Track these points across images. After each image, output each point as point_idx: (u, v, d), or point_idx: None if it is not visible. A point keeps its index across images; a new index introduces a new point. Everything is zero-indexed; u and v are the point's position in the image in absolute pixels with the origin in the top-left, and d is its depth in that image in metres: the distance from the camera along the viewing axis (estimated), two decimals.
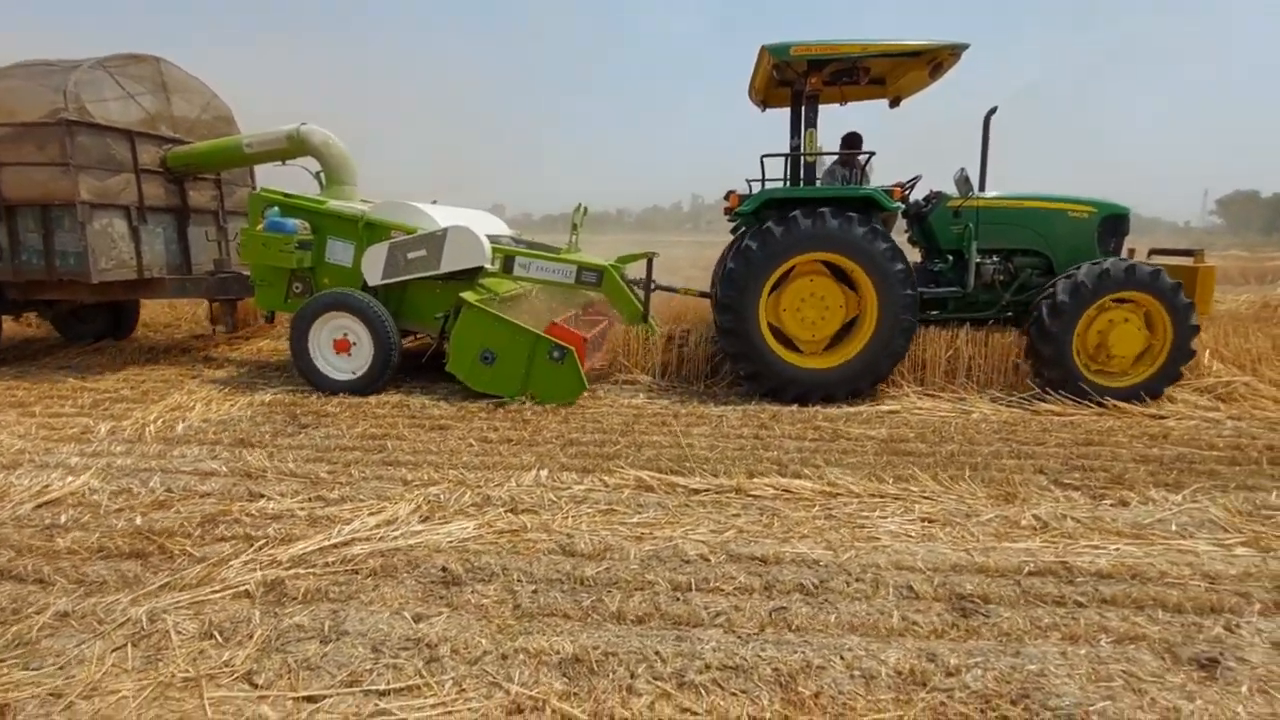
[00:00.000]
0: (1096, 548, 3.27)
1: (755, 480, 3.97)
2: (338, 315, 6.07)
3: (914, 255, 6.75)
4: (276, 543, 3.21)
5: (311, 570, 2.98)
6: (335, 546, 3.17)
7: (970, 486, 3.92)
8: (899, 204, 6.04)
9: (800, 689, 2.26)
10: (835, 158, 6.73)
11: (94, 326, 8.97)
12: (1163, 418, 5.33)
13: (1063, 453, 4.51)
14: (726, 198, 6.38)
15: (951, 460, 4.33)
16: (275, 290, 6.69)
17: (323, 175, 7.65)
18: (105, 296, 7.44)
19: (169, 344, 8.64)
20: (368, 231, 6.40)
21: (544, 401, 5.58)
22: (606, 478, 3.99)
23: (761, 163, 6.25)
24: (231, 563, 3.02)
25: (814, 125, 6.00)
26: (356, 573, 2.98)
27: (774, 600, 2.79)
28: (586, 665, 2.39)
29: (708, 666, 2.38)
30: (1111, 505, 3.76)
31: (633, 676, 2.34)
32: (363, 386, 6.01)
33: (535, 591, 2.84)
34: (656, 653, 2.44)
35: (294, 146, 7.59)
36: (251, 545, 3.19)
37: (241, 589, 2.82)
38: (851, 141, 6.68)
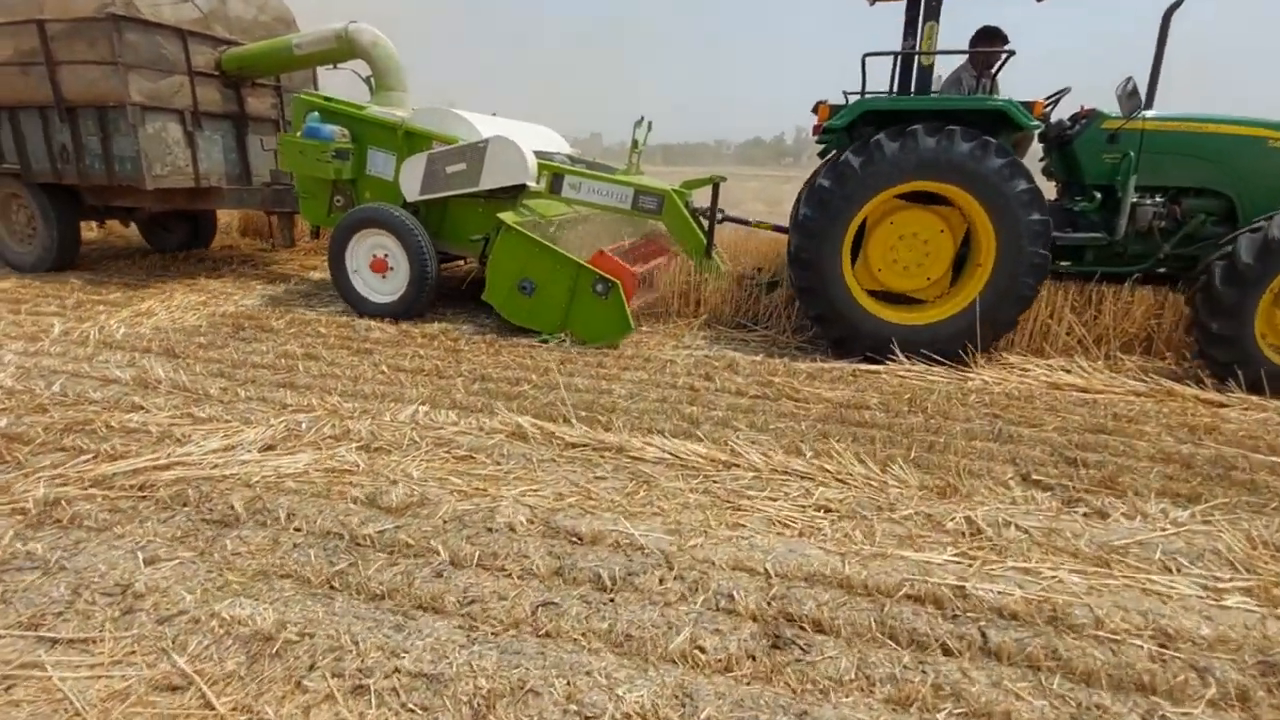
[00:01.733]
0: (1025, 572, 2.36)
1: (648, 438, 3.28)
2: (374, 232, 5.37)
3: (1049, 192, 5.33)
4: (103, 458, 2.94)
5: (105, 492, 2.68)
6: (154, 468, 2.87)
7: (905, 471, 3.04)
8: (1038, 122, 4.47)
9: None
10: (960, 63, 5.14)
11: (178, 236, 8.86)
12: (1226, 406, 4.02)
13: (1059, 440, 3.42)
14: (815, 110, 4.94)
15: (906, 437, 3.38)
16: (318, 203, 6.05)
17: (372, 80, 6.83)
18: (167, 204, 7.44)
19: (235, 256, 8.57)
20: (407, 141, 5.59)
21: (585, 340, 4.78)
22: (487, 420, 3.43)
23: (862, 65, 4.71)
24: (41, 475, 2.79)
25: (935, 18, 4.53)
26: (143, 499, 2.66)
27: (552, 592, 2.18)
28: (275, 645, 1.92)
29: (402, 670, 1.84)
30: (1083, 515, 2.76)
31: (311, 668, 1.84)
32: (401, 310, 5.37)
33: (297, 546, 2.38)
34: (357, 642, 1.93)
35: (343, 47, 6.78)
36: (78, 457, 2.96)
37: (20, 505, 2.58)
38: (987, 37, 4.98)
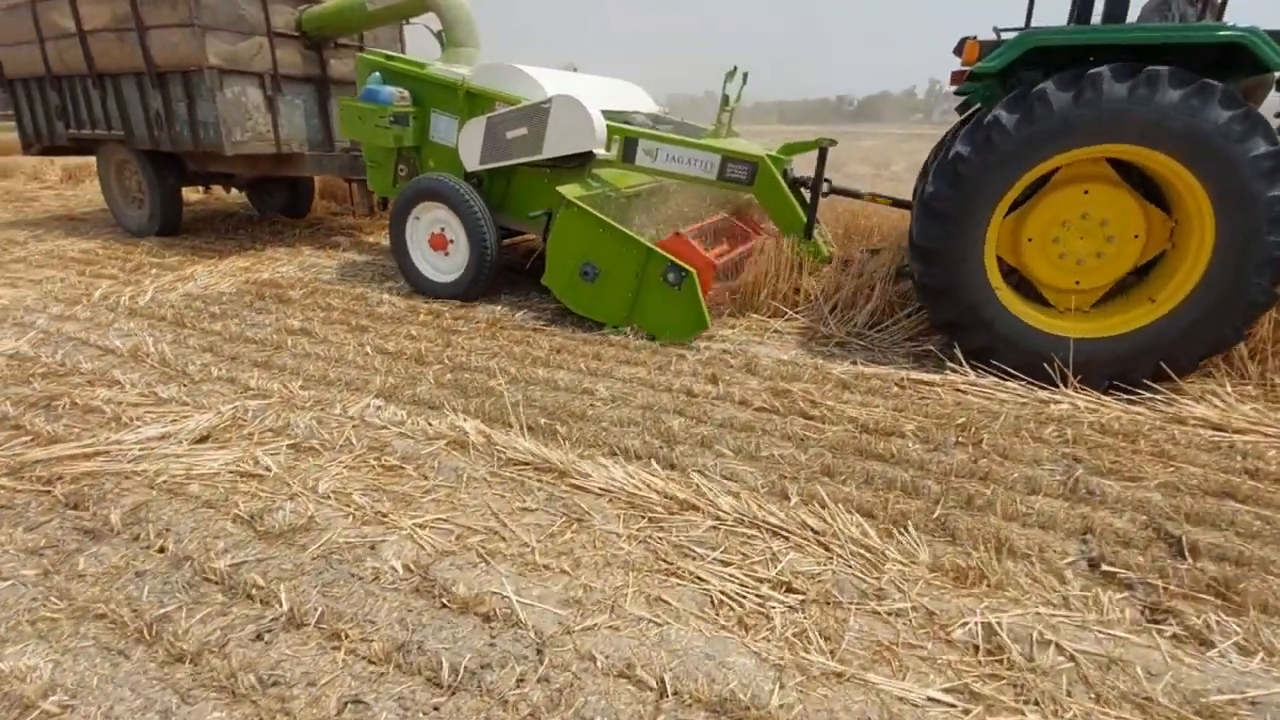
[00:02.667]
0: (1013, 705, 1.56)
1: (603, 461, 2.67)
2: (433, 206, 4.78)
3: None
4: (41, 442, 2.77)
5: (14, 484, 2.47)
6: (77, 457, 2.66)
7: (917, 539, 2.22)
8: None
9: None
10: None
11: (279, 200, 8.69)
12: None
13: (1160, 504, 2.38)
14: (958, 50, 3.76)
15: (937, 483, 2.50)
16: (384, 172, 5.46)
17: (443, 35, 6.18)
18: (254, 170, 7.61)
19: (320, 222, 8.39)
20: (469, 102, 4.88)
21: (654, 335, 4.03)
22: (435, 421, 2.94)
23: None
24: None
25: None
26: (42, 495, 2.44)
27: (373, 683, 1.67)
28: (27, 718, 1.58)
29: None
30: (1172, 637, 1.86)
31: None
32: (461, 290, 4.77)
33: (140, 575, 2.01)
34: None
35: (415, 1, 6.24)
36: (19, 438, 2.81)
37: None
38: None
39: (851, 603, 1.96)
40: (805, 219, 4.43)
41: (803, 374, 3.55)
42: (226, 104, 6.54)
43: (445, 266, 4.91)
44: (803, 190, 4.53)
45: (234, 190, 8.72)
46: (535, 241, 5.12)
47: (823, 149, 4.43)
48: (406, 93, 5.21)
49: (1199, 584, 2.03)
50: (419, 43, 8.19)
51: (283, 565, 2.07)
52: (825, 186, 4.47)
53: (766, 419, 3.06)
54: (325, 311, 4.51)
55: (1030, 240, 3.49)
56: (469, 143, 4.78)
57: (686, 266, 3.86)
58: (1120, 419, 3.10)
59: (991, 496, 2.47)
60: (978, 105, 4.43)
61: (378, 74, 5.32)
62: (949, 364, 3.64)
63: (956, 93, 4.44)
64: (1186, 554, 2.17)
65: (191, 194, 9.06)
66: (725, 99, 5.36)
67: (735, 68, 5.28)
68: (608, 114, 4.67)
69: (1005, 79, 3.52)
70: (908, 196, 4.76)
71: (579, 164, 4.53)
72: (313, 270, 5.67)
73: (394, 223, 4.93)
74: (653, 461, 2.69)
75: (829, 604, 1.96)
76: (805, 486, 2.51)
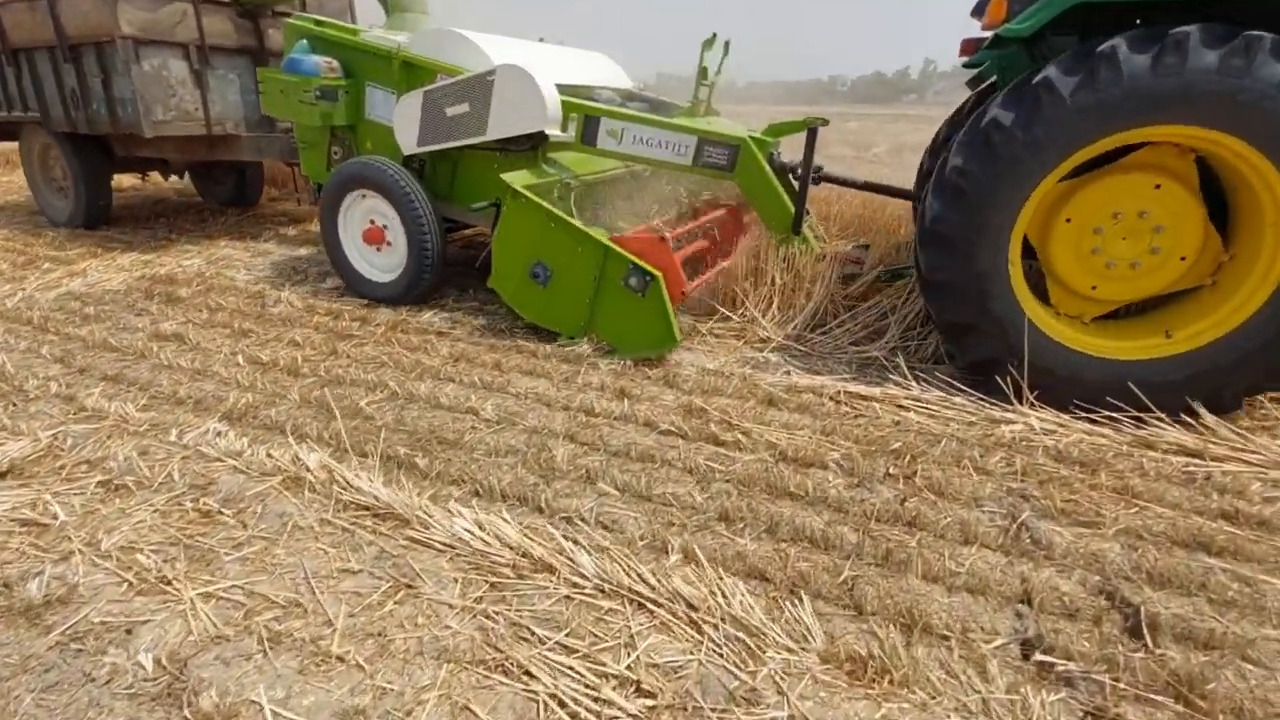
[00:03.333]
0: None
1: (459, 505, 2.19)
2: (366, 194, 4.14)
3: None
4: None
5: None
6: None
7: (811, 614, 1.77)
8: None
9: None
10: None
11: (226, 188, 7.93)
12: None
13: (1118, 560, 1.95)
14: (978, 11, 3.33)
15: (856, 530, 2.07)
16: (317, 154, 4.81)
17: None
18: (188, 155, 6.98)
19: (262, 212, 7.62)
20: (405, 74, 4.23)
21: (619, 350, 3.37)
22: (275, 453, 2.48)
23: None
24: None
25: None
26: None
27: None
28: None
29: None
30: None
31: None
32: (399, 292, 4.12)
33: None
34: None
35: None
36: None
37: None
38: None
39: (714, 710, 1.53)
40: (792, 210, 3.75)
41: (727, 387, 3.08)
42: (145, 79, 5.88)
43: (383, 264, 4.25)
44: (790, 177, 3.90)
45: (183, 178, 8.10)
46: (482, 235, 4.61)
47: (812, 130, 3.78)
48: (336, 63, 4.50)
49: (1156, 680, 1.59)
50: (374, 12, 7.55)
51: (7, 658, 1.63)
52: (815, 173, 3.82)
53: (671, 445, 2.61)
54: (211, 313, 4.01)
55: (1069, 221, 2.85)
56: (405, 121, 4.16)
57: (651, 269, 3.24)
58: (1080, 444, 2.65)
59: (916, 549, 2.02)
60: (992, 79, 3.87)
61: (304, 42, 4.66)
62: (893, 375, 3.18)
63: (967, 64, 3.91)
64: (1145, 632, 1.73)
65: (128, 181, 8.46)
66: (703, 71, 4.60)
67: (714, 35, 4.52)
68: (568, 89, 4.10)
69: (1033, 46, 2.96)
70: (894, 182, 4.24)
71: (531, 147, 3.92)
72: (221, 264, 5.16)
73: (324, 213, 4.32)
74: (520, 504, 2.24)
75: (685, 712, 1.52)
76: (692, 538, 2.06)
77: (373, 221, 4.20)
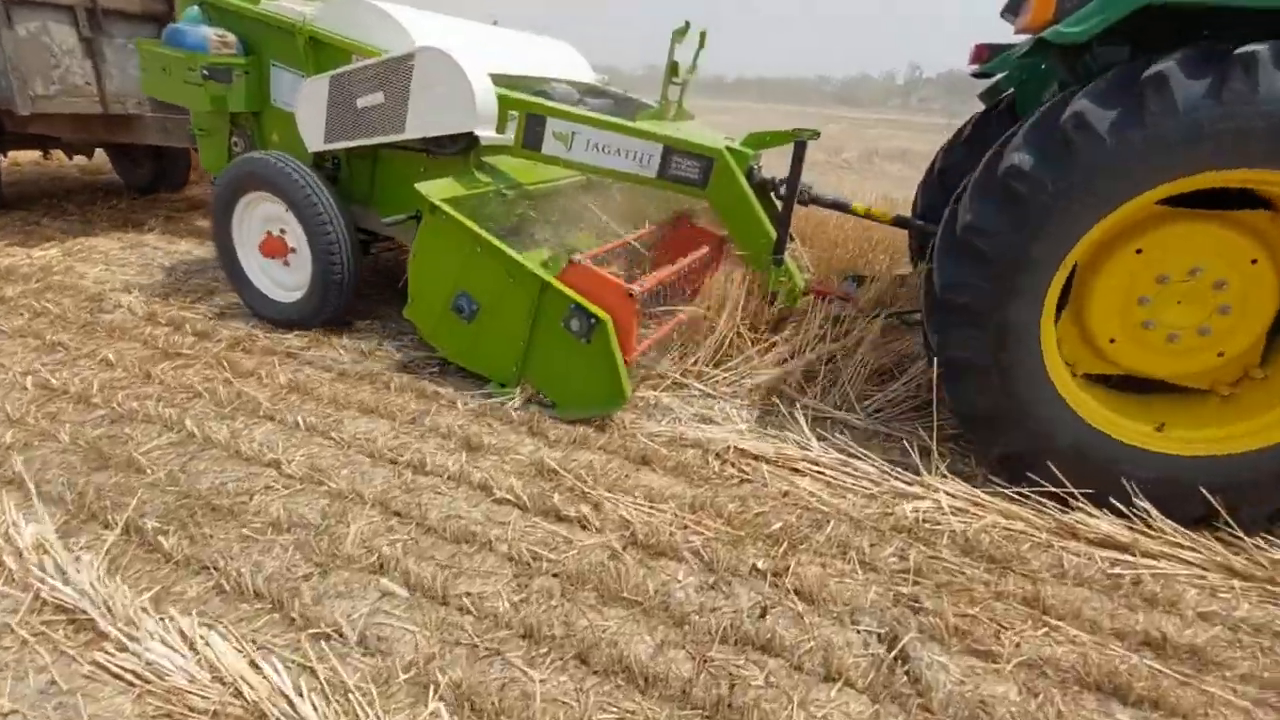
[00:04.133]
0: None
1: (178, 612, 1.66)
2: (263, 197, 3.43)
3: None
4: None
5: None
6: None
7: None
8: None
9: None
10: None
11: (146, 171, 6.88)
12: None
13: (1016, 708, 1.57)
14: (1012, 9, 2.89)
15: (695, 653, 1.63)
16: (216, 145, 4.05)
17: None
18: (81, 133, 5.94)
19: (195, 201, 6.79)
20: (313, 53, 3.53)
21: (558, 407, 2.79)
22: None
23: None
24: None
25: None
26: None
27: None
28: None
29: None
30: None
31: None
32: (306, 315, 3.43)
33: None
34: None
35: None
36: None
37: None
38: None
39: None
40: (774, 236, 3.13)
41: (598, 438, 2.59)
42: (19, 45, 5.06)
43: (286, 280, 3.53)
44: (773, 196, 3.32)
45: (91, 158, 7.30)
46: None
47: (800, 143, 3.16)
48: (231, 37, 3.75)
49: None
50: None
51: None
52: (803, 193, 3.23)
53: (500, 521, 2.11)
54: (31, 317, 3.40)
55: (1139, 252, 2.20)
56: (310, 111, 3.46)
57: (597, 311, 2.62)
58: (993, 530, 2.20)
59: (761, 689, 1.56)
60: (1009, 91, 3.40)
61: (195, 9, 3.92)
62: (787, 429, 2.72)
63: (978, 73, 3.40)
64: None
65: (27, 157, 7.68)
66: (674, 67, 3.94)
67: (687, 24, 3.84)
68: (514, 80, 3.49)
69: (1076, 57, 2.39)
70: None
71: (462, 149, 3.25)
72: (79, 257, 4.52)
73: (216, 218, 3.59)
74: (272, 609, 1.73)
75: None
76: (471, 671, 1.56)
77: (273, 230, 3.49)
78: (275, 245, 3.49)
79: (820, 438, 2.65)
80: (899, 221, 3.50)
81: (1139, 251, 2.20)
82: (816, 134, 3.31)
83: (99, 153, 6.96)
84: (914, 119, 42.16)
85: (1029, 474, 2.31)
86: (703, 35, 3.99)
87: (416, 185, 2.96)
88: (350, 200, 3.56)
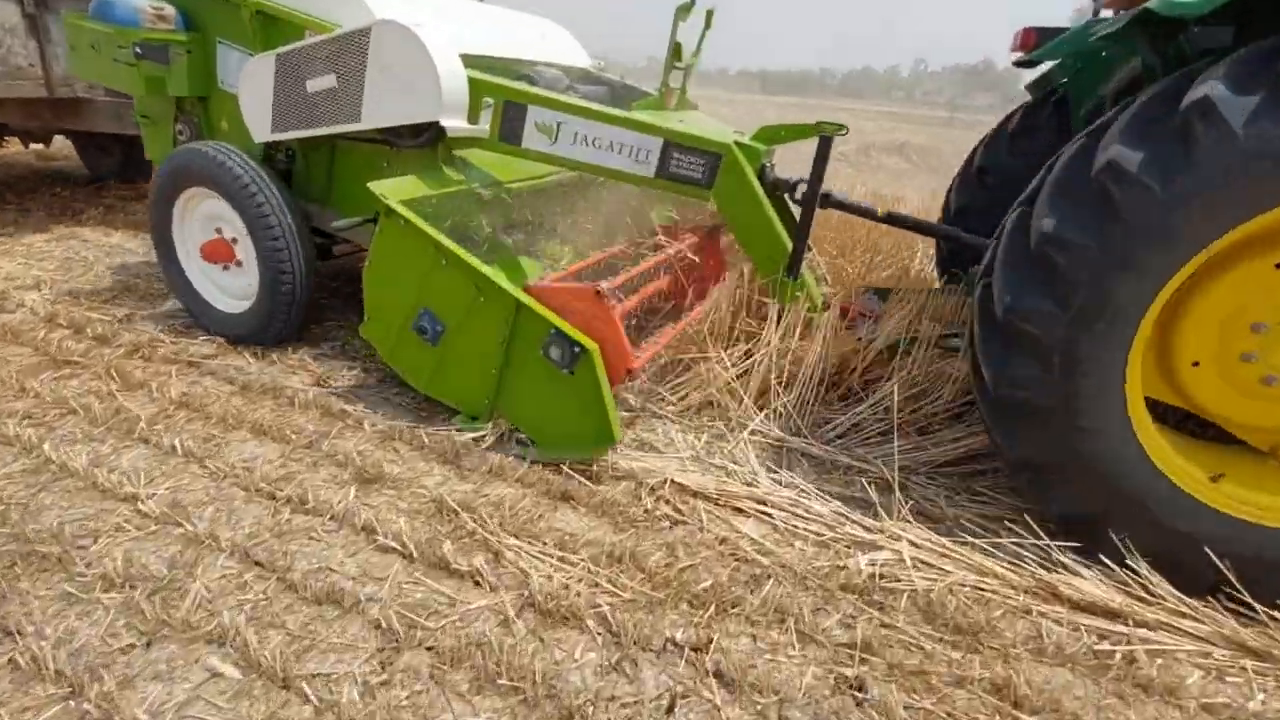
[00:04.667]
0: None
1: None
2: (203, 194, 3.02)
3: None
4: None
5: None
6: None
7: None
8: None
9: None
10: None
11: (113, 160, 6.46)
12: None
13: None
14: None
15: None
16: (161, 134, 3.60)
17: None
18: (29, 120, 5.49)
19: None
20: (261, 28, 3.09)
21: (538, 447, 2.36)
22: None
23: None
24: None
25: None
26: None
27: None
28: None
29: None
30: None
31: None
32: (255, 329, 3.01)
33: None
34: None
35: None
36: None
37: None
38: None
39: None
40: (789, 245, 2.71)
41: (518, 468, 2.25)
42: None
43: (233, 288, 3.12)
44: (789, 199, 2.92)
45: (48, 145, 6.93)
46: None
47: (825, 139, 2.69)
48: (170, 9, 3.28)
49: None
50: None
51: None
52: (823, 196, 2.77)
53: (378, 576, 1.78)
54: None
55: (1198, 366, 1.87)
56: (254, 96, 3.03)
57: (580, 338, 2.21)
58: (963, 590, 1.87)
59: None
60: (1062, 81, 3.10)
61: None
62: (737, 459, 2.37)
63: (1021, 62, 3.03)
64: None
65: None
66: (677, 50, 3.49)
67: (692, 1, 3.35)
68: (493, 62, 3.13)
69: (1171, 38, 2.00)
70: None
71: (427, 142, 2.81)
72: None
73: (154, 217, 3.17)
74: (70, 695, 1.41)
75: None
76: None
77: (218, 231, 3.07)
78: (219, 248, 3.06)
79: (771, 471, 2.31)
80: (931, 230, 3.02)
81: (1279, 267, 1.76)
82: (843, 129, 2.80)
83: (65, 139, 6.61)
84: (916, 112, 41.50)
85: (1098, 534, 1.92)
86: (709, 14, 3.56)
87: (370, 185, 2.52)
88: (307, 198, 3.18)
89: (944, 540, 2.02)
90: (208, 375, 2.77)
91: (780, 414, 2.61)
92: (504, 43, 3.55)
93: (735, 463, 2.36)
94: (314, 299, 3.08)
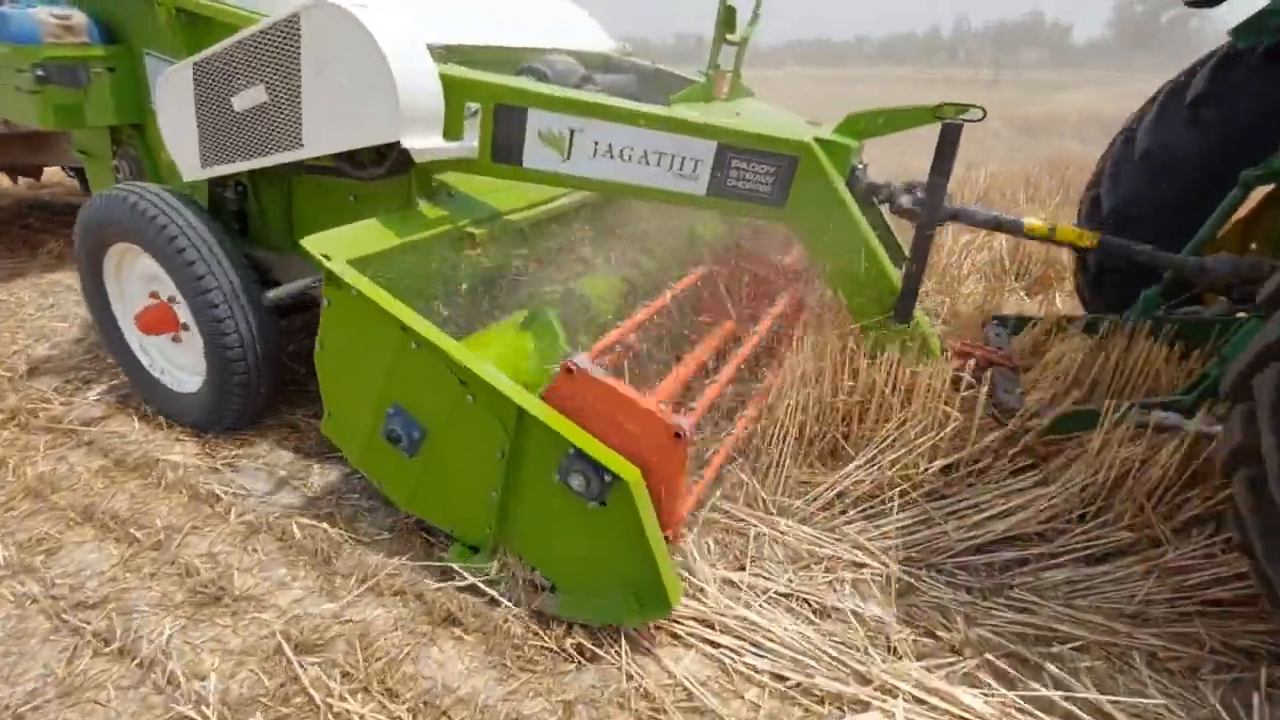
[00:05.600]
0: None
1: None
2: (131, 250, 2.41)
3: None
4: None
5: None
6: None
7: None
8: None
9: None
10: None
11: None
12: None
13: None
14: None
15: None
16: (103, 170, 3.05)
17: None
18: (3, 156, 5.57)
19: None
20: (184, 31, 2.44)
21: (560, 599, 1.66)
22: None
23: None
24: None
25: None
26: None
27: None
28: None
29: None
30: None
31: None
32: (205, 414, 2.39)
33: None
34: None
35: None
36: None
37: None
38: None
39: None
40: (896, 279, 2.02)
41: (394, 580, 1.76)
42: None
43: (182, 362, 2.50)
44: (886, 212, 2.26)
45: (39, 179, 6.78)
46: None
47: (950, 125, 1.93)
48: (80, 16, 2.66)
49: None
50: None
51: None
52: (943, 210, 2.00)
53: None
54: None
55: None
56: (175, 121, 2.37)
57: (613, 464, 1.50)
58: None
59: None
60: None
61: None
62: (682, 554, 1.81)
63: (1196, 2, 2.46)
64: None
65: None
66: (728, 18, 2.82)
67: None
68: (483, 53, 2.53)
69: None
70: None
71: (392, 170, 2.12)
72: None
73: (83, 277, 2.56)
74: None
75: None
76: None
77: (155, 296, 2.42)
78: (160, 315, 2.37)
79: (727, 581, 1.73)
80: (1108, 246, 2.09)
81: None
82: (973, 110, 2.04)
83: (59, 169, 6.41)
84: (960, 74, 39.05)
85: None
86: None
87: (305, 242, 1.84)
88: (266, 246, 2.55)
89: (956, 692, 1.41)
90: (82, 446, 2.36)
91: (746, 484, 2.02)
92: (498, 27, 2.82)
93: (681, 563, 1.79)
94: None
